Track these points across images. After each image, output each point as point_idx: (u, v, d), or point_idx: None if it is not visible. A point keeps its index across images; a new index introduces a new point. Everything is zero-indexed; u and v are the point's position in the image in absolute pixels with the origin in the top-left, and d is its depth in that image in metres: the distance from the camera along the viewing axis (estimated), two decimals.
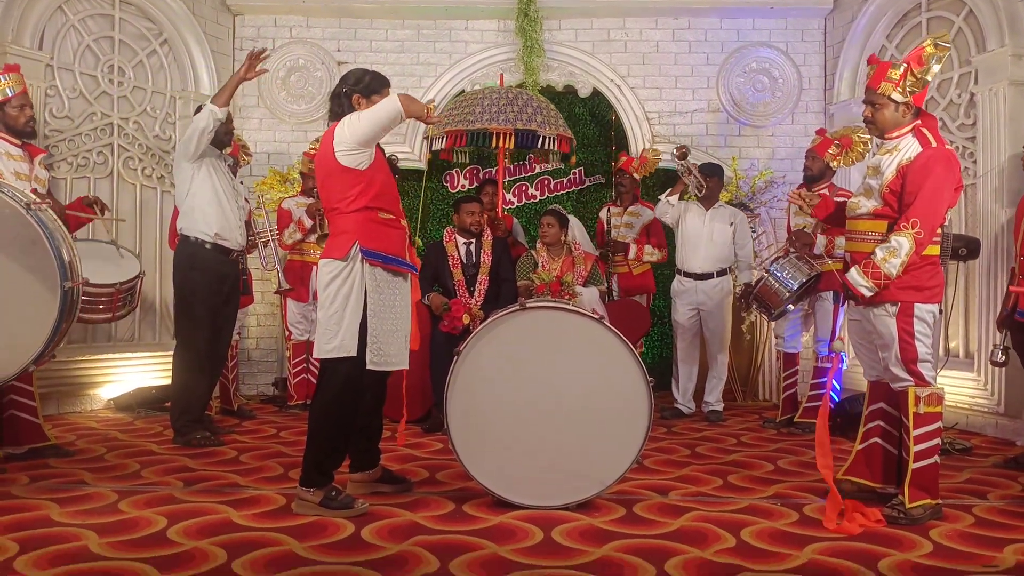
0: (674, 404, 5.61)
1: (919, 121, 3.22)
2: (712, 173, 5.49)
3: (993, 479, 3.86)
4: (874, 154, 3.35)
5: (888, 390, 3.34)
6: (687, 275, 5.51)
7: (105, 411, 5.54)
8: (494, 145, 5.29)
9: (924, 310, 3.16)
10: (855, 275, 3.14)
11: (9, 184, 3.46)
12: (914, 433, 3.15)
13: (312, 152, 5.62)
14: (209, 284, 4.44)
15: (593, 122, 7.01)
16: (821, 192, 5.07)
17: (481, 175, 7.00)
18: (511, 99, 5.32)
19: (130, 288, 4.25)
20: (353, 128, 3.12)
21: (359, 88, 3.26)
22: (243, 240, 4.64)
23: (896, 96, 3.16)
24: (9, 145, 4.08)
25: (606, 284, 5.57)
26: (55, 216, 3.45)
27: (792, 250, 4.92)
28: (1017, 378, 4.61)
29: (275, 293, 5.49)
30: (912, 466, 3.15)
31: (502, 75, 6.30)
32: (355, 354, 3.14)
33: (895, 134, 3.22)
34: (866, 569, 2.59)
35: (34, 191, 3.91)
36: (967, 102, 5.29)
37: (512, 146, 5.33)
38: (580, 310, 3.46)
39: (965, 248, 4.55)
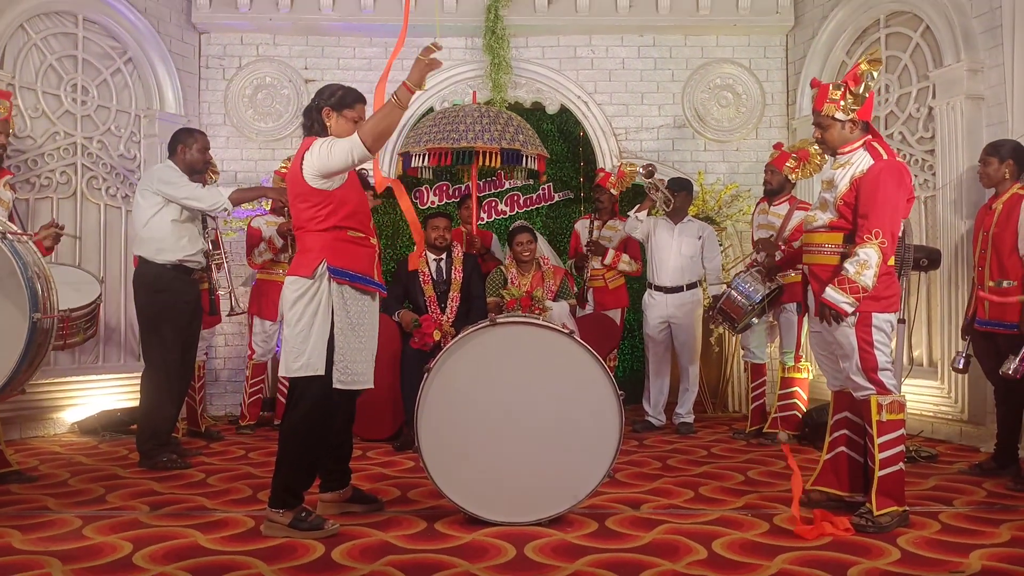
0: (645, 417, 5.64)
1: (869, 136, 3.32)
2: (680, 188, 5.54)
3: (959, 485, 3.93)
4: (830, 168, 3.43)
5: (852, 399, 3.38)
6: (657, 288, 5.55)
7: (69, 435, 5.43)
8: (481, 164, 5.28)
9: (882, 319, 3.22)
10: (834, 294, 3.15)
11: None
12: (878, 441, 3.19)
13: (283, 171, 5.61)
14: (175, 305, 4.41)
15: (561, 138, 7.06)
16: (781, 202, 5.17)
17: (451, 191, 7.01)
18: (493, 117, 5.33)
19: (85, 315, 4.10)
20: (322, 159, 3.09)
21: (331, 102, 3.22)
22: (203, 260, 4.63)
23: (839, 115, 3.27)
24: None
25: (576, 297, 5.59)
26: (33, 248, 3.40)
27: (757, 261, 4.99)
28: (980, 386, 4.70)
29: (227, 315, 5.34)
30: (878, 474, 3.19)
31: (475, 92, 6.32)
32: (322, 373, 3.12)
33: (846, 149, 3.32)
34: None
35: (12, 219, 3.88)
36: (926, 116, 5.41)
37: (498, 164, 5.32)
38: (550, 325, 3.47)
39: (926, 259, 4.65)
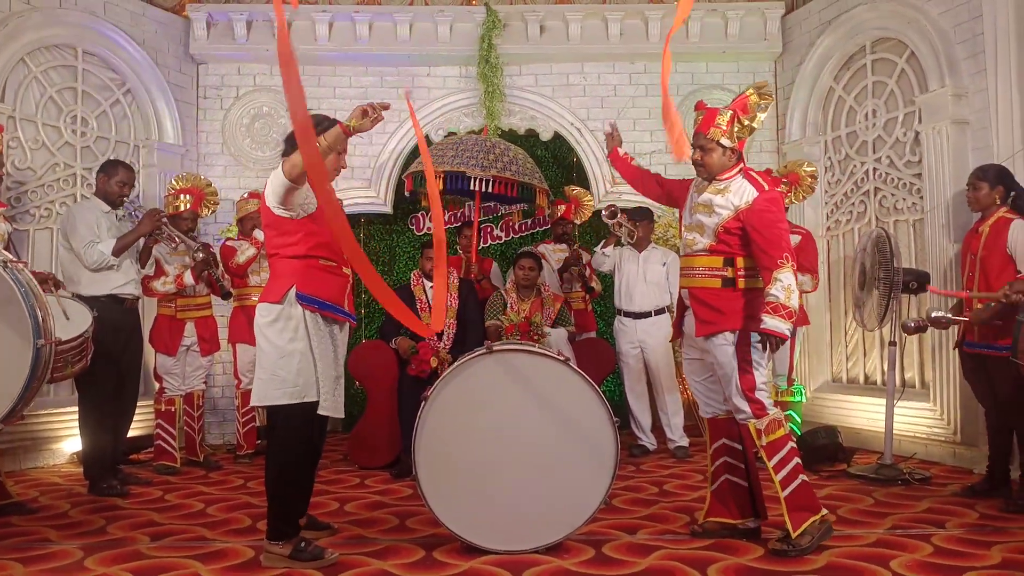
0: (638, 441, 5.67)
1: (743, 164, 3.40)
2: (642, 218, 5.69)
3: (951, 508, 3.96)
4: (701, 191, 3.42)
5: (726, 425, 3.45)
6: (627, 315, 5.68)
7: (68, 465, 5.44)
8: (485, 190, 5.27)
9: (758, 338, 3.24)
10: (775, 322, 3.14)
11: None
12: (771, 464, 3.22)
13: (246, 197, 5.72)
14: (105, 338, 4.36)
15: (555, 164, 7.14)
16: None
17: (448, 218, 7.07)
18: (490, 147, 5.40)
19: (74, 347, 3.81)
20: (272, 186, 3.13)
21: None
22: (138, 290, 4.81)
23: (724, 141, 3.31)
24: None
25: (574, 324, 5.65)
26: (30, 276, 3.43)
27: None
28: (972, 407, 4.73)
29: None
30: (782, 494, 3.22)
31: (486, 127, 6.48)
32: (316, 399, 3.13)
33: (725, 176, 3.36)
34: None
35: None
36: (912, 140, 5.50)
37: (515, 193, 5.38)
38: (546, 352, 3.51)
39: (915, 281, 4.72)
